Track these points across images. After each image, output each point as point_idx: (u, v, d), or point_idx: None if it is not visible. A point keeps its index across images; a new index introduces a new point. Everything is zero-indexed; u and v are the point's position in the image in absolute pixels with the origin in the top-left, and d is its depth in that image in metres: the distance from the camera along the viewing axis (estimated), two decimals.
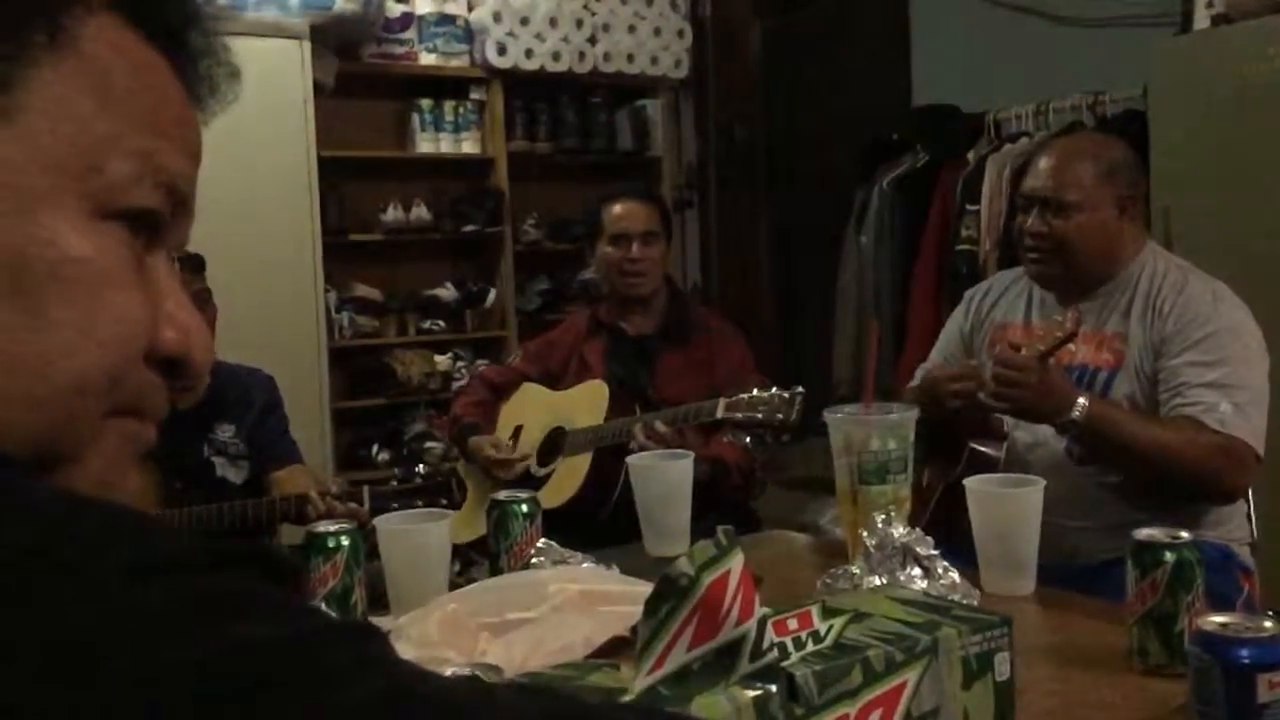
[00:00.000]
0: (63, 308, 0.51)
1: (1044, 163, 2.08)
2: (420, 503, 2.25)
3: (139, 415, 0.56)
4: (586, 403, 2.66)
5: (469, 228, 4.64)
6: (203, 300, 2.45)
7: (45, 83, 0.51)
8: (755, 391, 2.28)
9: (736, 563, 0.79)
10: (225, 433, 2.51)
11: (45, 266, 0.50)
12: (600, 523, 2.40)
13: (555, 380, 2.79)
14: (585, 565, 1.48)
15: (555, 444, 2.69)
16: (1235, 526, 2.01)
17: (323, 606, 1.36)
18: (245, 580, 0.44)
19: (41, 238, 0.50)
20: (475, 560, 2.55)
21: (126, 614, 0.40)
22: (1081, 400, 1.84)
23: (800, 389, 2.25)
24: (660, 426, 2.37)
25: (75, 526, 0.43)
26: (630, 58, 4.88)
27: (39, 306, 0.50)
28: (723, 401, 2.31)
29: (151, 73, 0.57)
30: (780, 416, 2.23)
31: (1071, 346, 1.94)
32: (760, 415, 2.25)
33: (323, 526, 1.48)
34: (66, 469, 0.52)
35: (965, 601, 1.34)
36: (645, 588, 0.82)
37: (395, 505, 2.26)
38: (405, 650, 1.08)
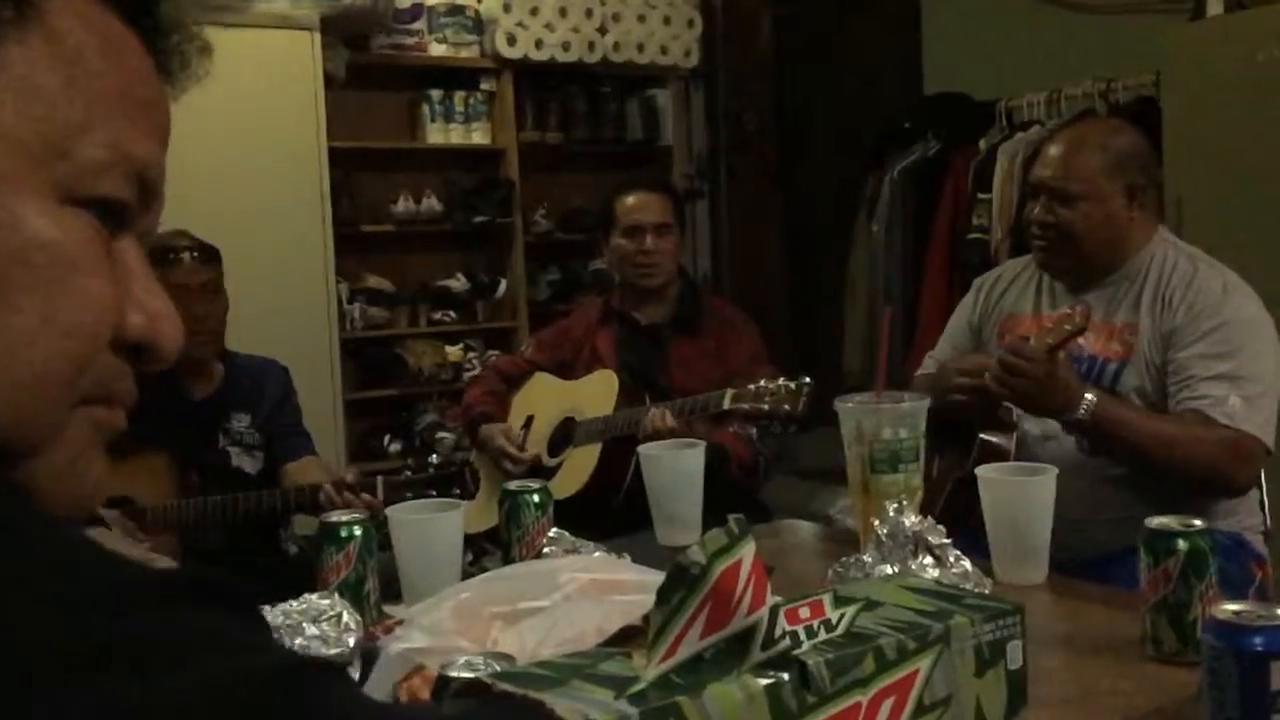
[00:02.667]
0: (26, 294, 0.49)
1: (1052, 151, 2.06)
2: (434, 493, 2.25)
3: (107, 403, 0.54)
4: (597, 393, 2.66)
5: (479, 218, 4.65)
6: (212, 291, 2.45)
7: (10, 60, 0.49)
8: (763, 382, 2.27)
9: (748, 552, 0.80)
10: (240, 423, 2.52)
11: (8, 251, 0.48)
12: (612, 512, 2.40)
13: (567, 369, 2.79)
14: (597, 555, 1.49)
15: (566, 434, 2.70)
16: (1248, 515, 2.00)
17: (336, 596, 1.36)
18: (205, 614, 0.43)
19: (4, 221, 0.48)
20: (488, 550, 2.55)
21: (80, 652, 0.39)
22: (1089, 396, 1.83)
23: (808, 380, 2.24)
24: (669, 420, 2.36)
25: (27, 559, 0.41)
26: (640, 47, 4.87)
27: (1, 293, 0.48)
28: (730, 393, 2.31)
29: (122, 49, 0.54)
30: (787, 407, 2.23)
31: (1080, 341, 1.93)
32: (767, 406, 2.25)
33: (335, 516, 1.49)
34: (32, 460, 0.51)
35: (977, 590, 1.33)
36: (657, 577, 0.82)
37: (409, 496, 2.26)
38: (418, 639, 1.09)
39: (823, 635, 0.87)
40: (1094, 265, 2.03)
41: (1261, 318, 1.94)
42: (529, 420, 2.78)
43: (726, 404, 2.31)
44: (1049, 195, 2.03)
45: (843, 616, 0.90)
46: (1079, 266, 2.04)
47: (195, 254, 2.42)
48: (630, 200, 2.75)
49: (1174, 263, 2.00)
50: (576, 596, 1.19)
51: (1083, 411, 1.83)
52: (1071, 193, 2.00)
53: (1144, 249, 2.03)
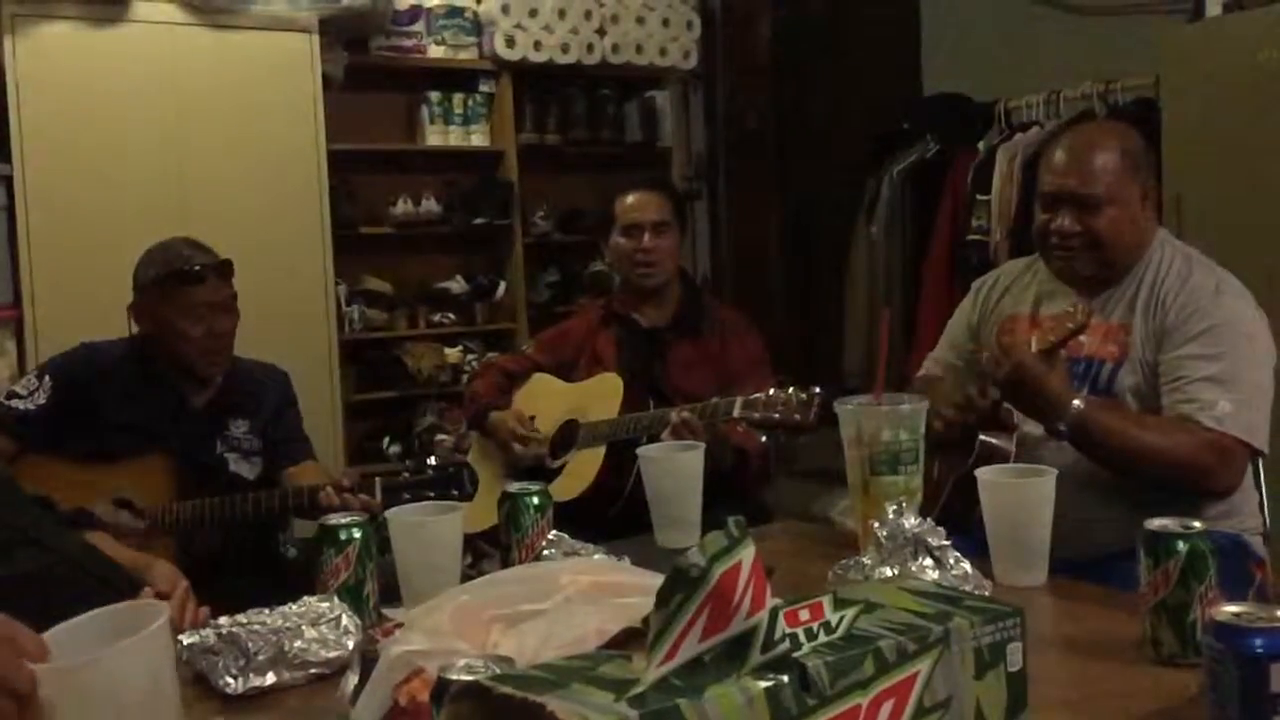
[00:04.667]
0: None
1: (1066, 158, 2.00)
2: (432, 495, 2.25)
3: None
4: (601, 395, 2.65)
5: (478, 220, 4.64)
6: (229, 305, 2.47)
7: None
8: (773, 391, 2.27)
9: (748, 554, 0.80)
10: (239, 429, 2.51)
11: None
12: (611, 515, 2.40)
13: (567, 371, 2.79)
14: (597, 557, 1.49)
15: (568, 436, 2.69)
16: (1247, 516, 2.00)
17: (335, 598, 1.36)
18: None
19: None
20: (487, 552, 2.55)
21: None
22: (1076, 403, 1.82)
23: (818, 389, 2.23)
24: (695, 422, 2.34)
25: None
26: (639, 49, 4.87)
27: None
28: (740, 400, 2.30)
29: None
30: (798, 417, 2.22)
31: (1082, 338, 1.92)
32: (778, 415, 2.24)
33: (335, 519, 1.49)
34: None
35: (977, 592, 1.33)
36: (657, 579, 0.82)
37: (407, 497, 2.26)
38: (417, 642, 1.08)
39: (823, 637, 0.87)
40: (1114, 269, 2.01)
41: (1254, 318, 1.93)
42: (530, 420, 2.78)
43: (737, 412, 2.30)
44: (1072, 203, 1.98)
45: (842, 619, 0.90)
46: (1101, 271, 2.01)
47: (216, 271, 2.44)
48: (629, 199, 2.75)
49: (1169, 262, 1.99)
50: (576, 599, 1.19)
51: (1063, 424, 1.82)
52: (1097, 197, 1.95)
53: (1146, 251, 2.02)
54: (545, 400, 2.78)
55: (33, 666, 0.92)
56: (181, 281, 2.40)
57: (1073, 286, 2.07)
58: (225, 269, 2.47)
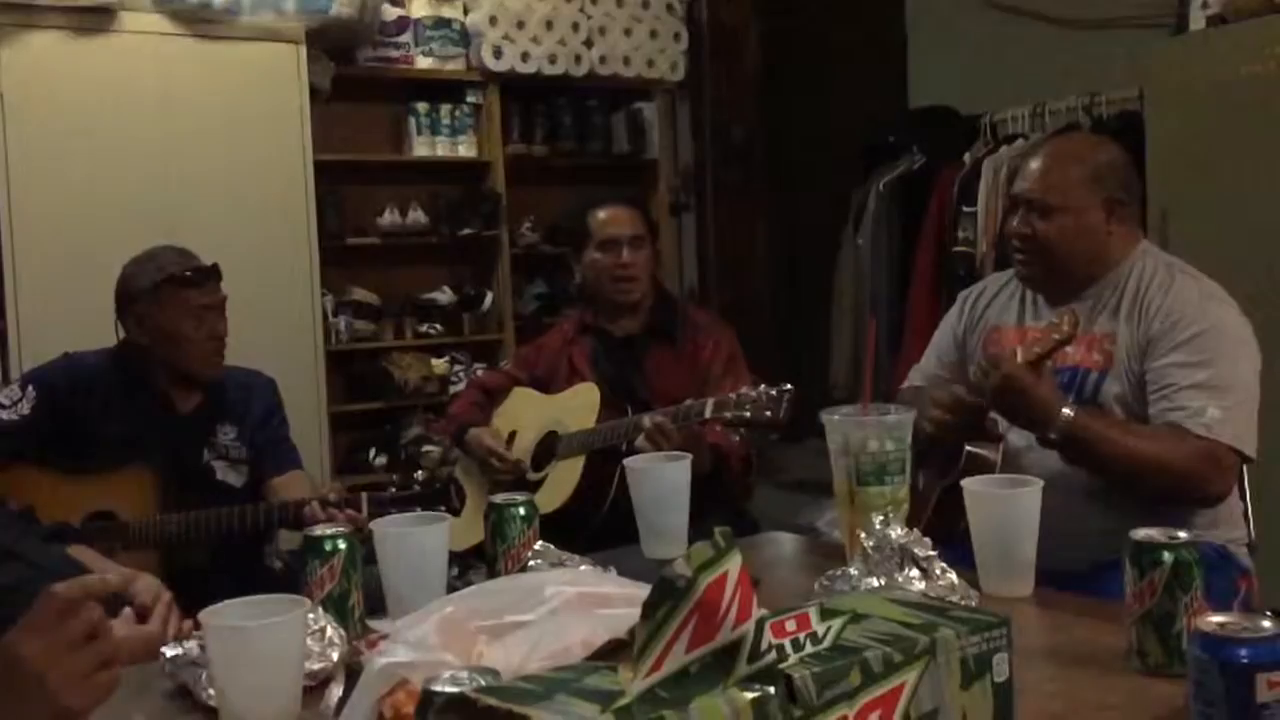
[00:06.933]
0: None
1: (1033, 165, 2.08)
2: (418, 509, 2.24)
3: None
4: (578, 406, 2.66)
5: (466, 231, 4.64)
6: (223, 308, 2.48)
7: None
8: (744, 390, 2.27)
9: (734, 564, 0.79)
10: (226, 436, 2.51)
11: None
12: (597, 525, 2.40)
13: (546, 384, 2.80)
14: (583, 568, 1.48)
15: (549, 448, 2.69)
16: (1232, 527, 2.01)
17: (320, 609, 1.36)
18: None
19: None
20: (473, 564, 2.54)
21: None
22: (1066, 412, 1.83)
23: (788, 386, 2.24)
24: (668, 426, 2.34)
25: None
26: (626, 60, 4.87)
27: None
28: (711, 401, 2.30)
29: None
30: (769, 414, 2.22)
31: (1067, 348, 1.93)
32: (749, 414, 2.24)
33: (320, 530, 1.48)
34: None
35: (964, 603, 1.34)
36: (643, 590, 0.82)
37: (393, 512, 2.25)
38: (402, 654, 1.08)
39: (809, 648, 0.87)
40: (1071, 278, 2.04)
41: (1238, 325, 1.95)
42: (511, 435, 2.78)
43: (708, 413, 2.30)
44: (1027, 207, 2.05)
45: (829, 629, 0.90)
46: (1057, 279, 2.06)
47: (209, 274, 2.47)
48: (603, 215, 2.76)
49: (1152, 272, 2.01)
50: (562, 610, 1.19)
51: (1054, 433, 1.83)
52: (1050, 205, 2.01)
53: (1124, 261, 2.04)
54: (525, 414, 2.79)
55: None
56: (179, 286, 2.42)
57: (1039, 293, 2.11)
58: (215, 272, 2.50)
